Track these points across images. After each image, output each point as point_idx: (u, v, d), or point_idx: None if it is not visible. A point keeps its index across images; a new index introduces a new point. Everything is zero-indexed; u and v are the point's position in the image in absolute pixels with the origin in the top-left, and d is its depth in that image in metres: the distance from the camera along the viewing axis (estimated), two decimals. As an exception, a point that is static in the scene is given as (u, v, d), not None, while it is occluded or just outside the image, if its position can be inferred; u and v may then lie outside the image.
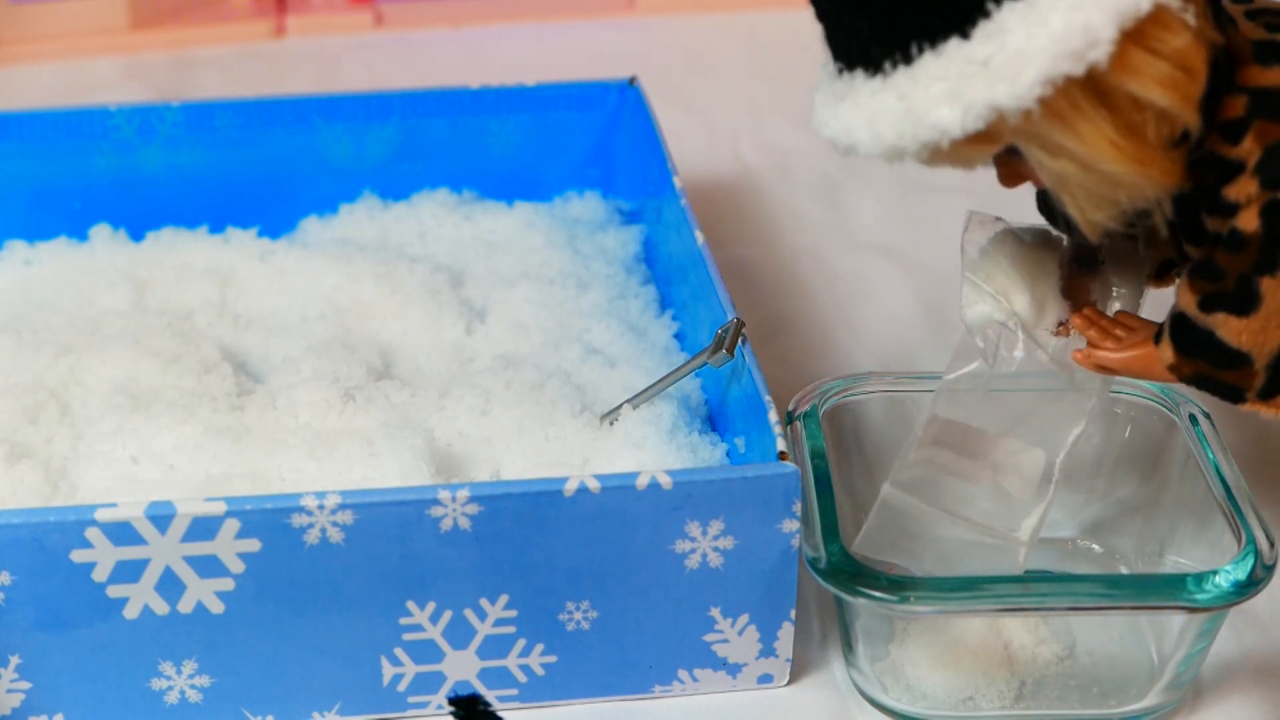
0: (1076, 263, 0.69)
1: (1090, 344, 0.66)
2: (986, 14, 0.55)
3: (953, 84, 0.55)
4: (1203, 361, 0.61)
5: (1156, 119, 0.56)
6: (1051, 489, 0.68)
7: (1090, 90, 0.55)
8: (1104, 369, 0.66)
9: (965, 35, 0.55)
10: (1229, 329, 0.60)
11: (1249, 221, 0.59)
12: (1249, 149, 0.58)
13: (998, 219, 0.70)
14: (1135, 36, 0.55)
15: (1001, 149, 0.58)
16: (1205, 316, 0.60)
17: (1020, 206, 0.72)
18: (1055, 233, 0.69)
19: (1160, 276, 0.70)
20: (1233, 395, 0.62)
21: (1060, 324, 0.68)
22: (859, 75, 0.58)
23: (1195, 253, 0.62)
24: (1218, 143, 0.59)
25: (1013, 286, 0.67)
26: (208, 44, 1.30)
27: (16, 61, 1.27)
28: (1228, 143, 0.59)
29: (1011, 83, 0.54)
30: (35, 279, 0.90)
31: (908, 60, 0.57)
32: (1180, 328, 0.62)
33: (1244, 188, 0.59)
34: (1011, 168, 0.61)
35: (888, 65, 0.57)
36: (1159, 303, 0.68)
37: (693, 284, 0.82)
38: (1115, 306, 0.69)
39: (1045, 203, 0.69)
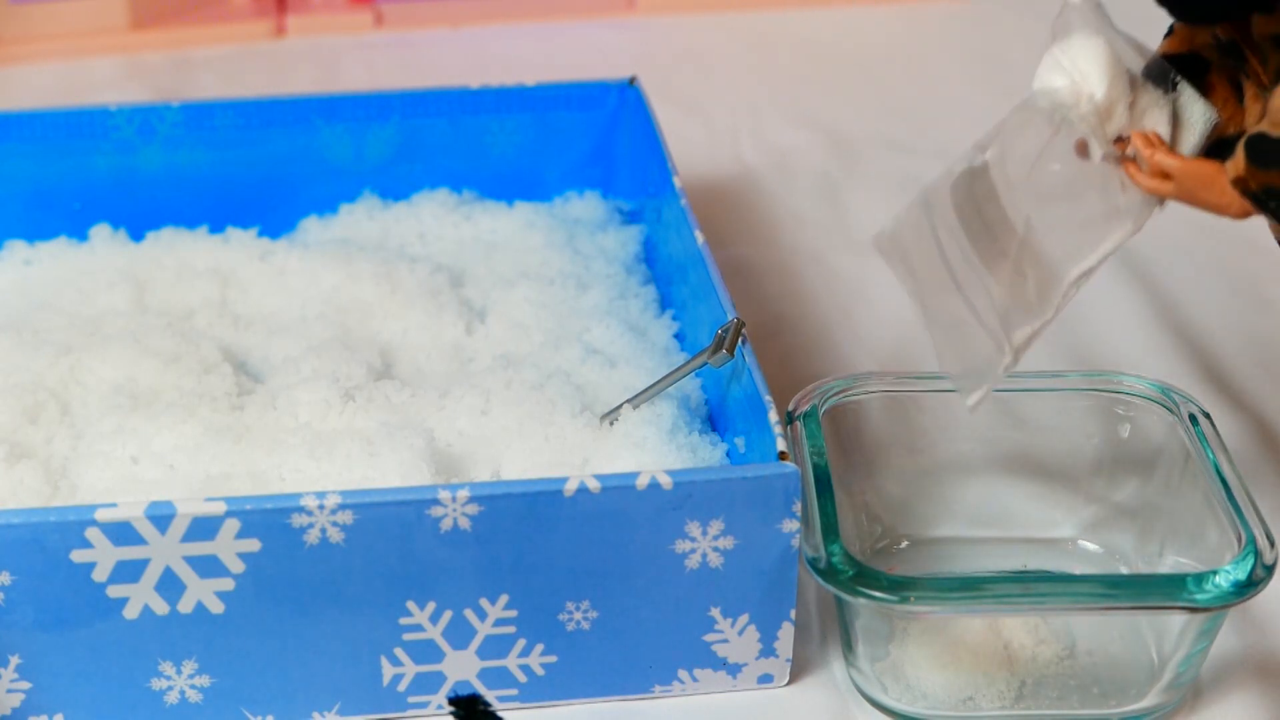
0: (1153, 77, 0.68)
1: (1148, 158, 0.64)
2: None
3: None
4: (1276, 171, 0.60)
5: None
6: (1054, 309, 0.66)
7: None
8: (1162, 176, 0.64)
9: None
10: None
11: None
12: None
13: (1099, 4, 0.68)
14: None
15: None
16: None
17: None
18: (1143, 45, 0.67)
19: (1211, 155, 0.68)
20: None
21: (1121, 138, 0.66)
22: None
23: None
24: None
25: (1095, 72, 0.65)
26: (208, 44, 1.31)
27: (16, 61, 1.27)
28: None
29: None
30: (35, 279, 0.90)
31: None
32: (1258, 141, 0.60)
33: None
34: None
35: None
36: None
37: (693, 284, 0.82)
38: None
39: None
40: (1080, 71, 0.65)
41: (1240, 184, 0.62)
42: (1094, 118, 0.65)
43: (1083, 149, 0.66)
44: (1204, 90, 0.67)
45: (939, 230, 0.67)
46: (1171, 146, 0.66)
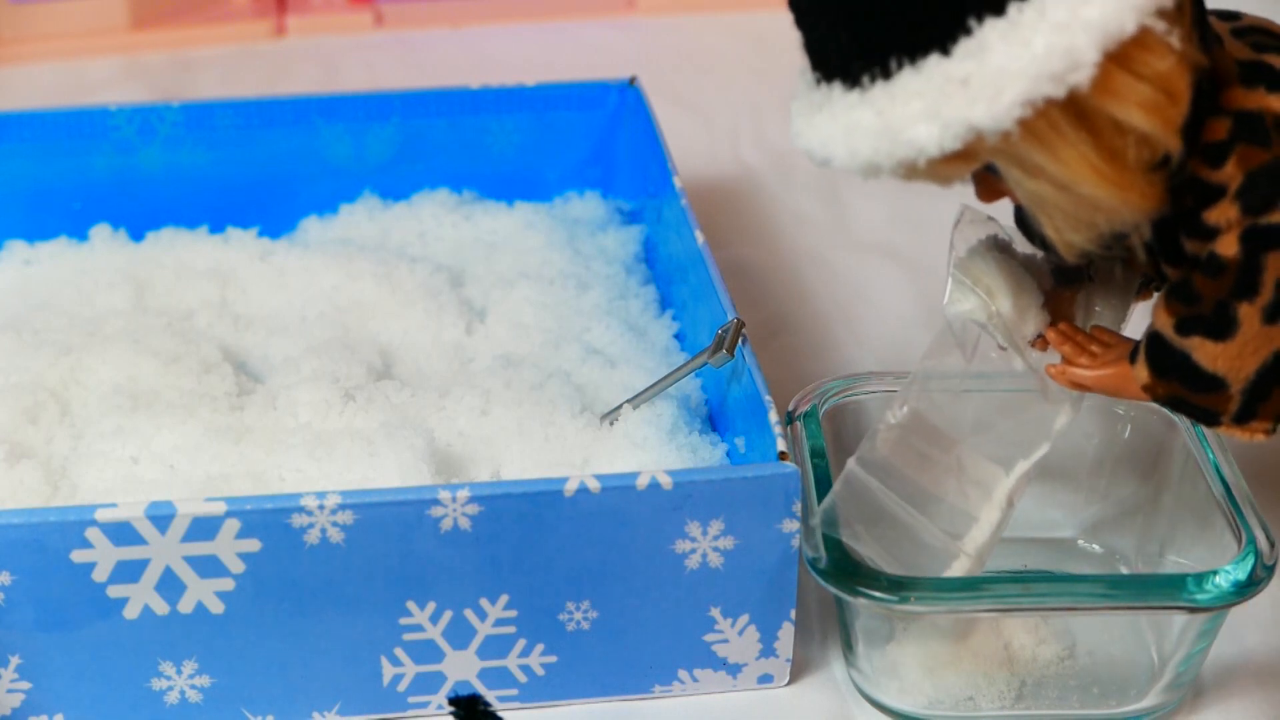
0: (1060, 277, 0.69)
1: (1065, 360, 0.65)
2: (968, 31, 0.54)
3: (931, 101, 0.54)
4: (1177, 383, 0.60)
5: (1137, 143, 0.55)
6: (1004, 509, 0.68)
7: (1070, 112, 0.54)
8: (1078, 386, 0.65)
9: (946, 52, 0.54)
10: (1205, 353, 0.59)
11: (1228, 247, 0.57)
12: (1230, 173, 0.57)
13: (990, 219, 0.69)
14: (1118, 59, 0.53)
15: (979, 167, 0.57)
16: (1181, 339, 0.59)
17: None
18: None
19: (1143, 290, 0.69)
20: (1207, 418, 0.61)
21: (1038, 336, 0.68)
22: (837, 87, 0.57)
23: (1173, 274, 0.61)
24: (1199, 166, 0.58)
25: (998, 289, 0.67)
26: (208, 44, 1.30)
27: (16, 61, 1.27)
28: (1209, 166, 0.58)
29: (990, 103, 0.53)
30: (35, 279, 0.90)
31: (886, 75, 0.55)
32: (1156, 348, 0.61)
33: (1224, 212, 0.58)
34: (989, 185, 0.60)
35: (866, 79, 0.56)
36: (1143, 319, 0.67)
37: (693, 284, 0.82)
38: (1095, 323, 0.68)
39: (1023, 220, 0.68)
40: (984, 288, 0.67)
41: (1149, 390, 0.62)
42: (1007, 329, 0.67)
43: (1003, 351, 0.68)
44: (1123, 259, 0.67)
45: (873, 493, 0.69)
46: (1099, 307, 0.68)
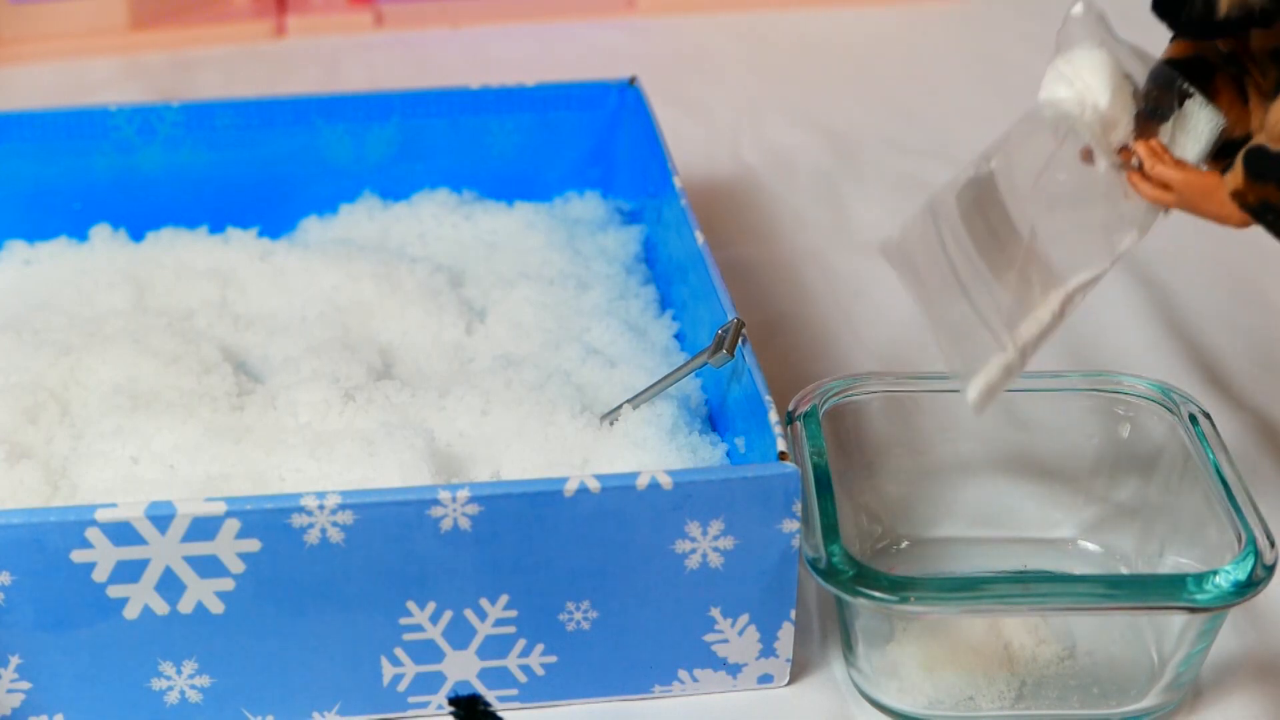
0: (1150, 109, 0.68)
1: (1150, 168, 0.65)
2: None
3: None
4: (1274, 186, 0.60)
5: None
6: (1055, 315, 0.66)
7: None
8: (1163, 187, 0.64)
9: None
10: None
11: None
12: None
13: (1102, 18, 0.68)
14: None
15: None
16: None
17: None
18: (1146, 53, 0.68)
19: (1218, 157, 0.68)
20: None
21: (1124, 147, 0.66)
22: None
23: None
24: None
25: (1098, 85, 0.65)
26: (208, 44, 1.31)
27: (16, 61, 1.27)
28: None
29: None
30: (35, 279, 0.90)
31: None
32: (1254, 155, 0.61)
33: None
34: None
35: None
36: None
37: (693, 284, 0.82)
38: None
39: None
40: (1084, 83, 0.65)
41: (1239, 197, 0.62)
42: (1098, 128, 0.65)
43: (1088, 157, 0.67)
44: (1209, 94, 0.67)
45: (945, 237, 0.68)
46: (1176, 152, 0.66)
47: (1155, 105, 0.67)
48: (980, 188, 0.67)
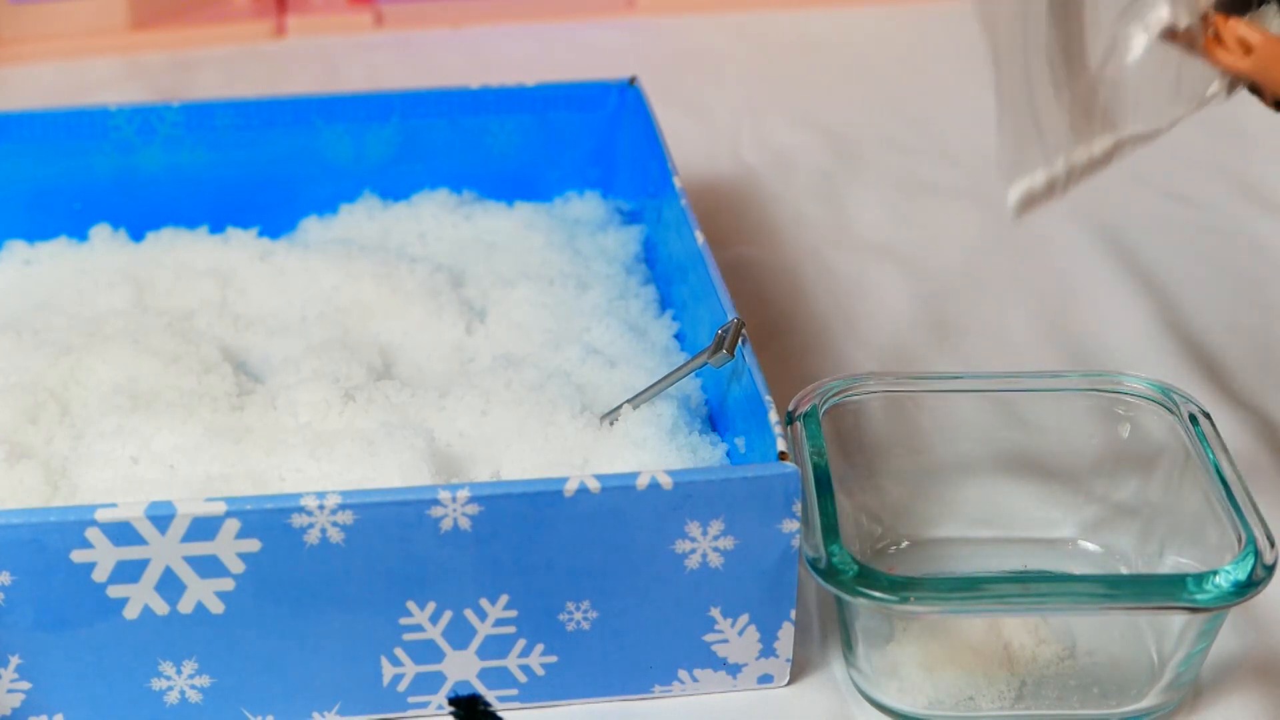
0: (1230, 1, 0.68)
1: (1231, 44, 0.64)
2: None
3: None
4: None
5: None
6: (1104, 153, 0.66)
7: None
8: (1244, 47, 0.64)
9: None
10: None
11: None
12: None
13: None
14: None
15: None
16: None
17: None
18: None
19: None
20: None
21: (1206, 14, 0.65)
22: None
23: None
24: None
25: None
26: (208, 44, 1.31)
27: (16, 61, 1.27)
28: None
29: None
30: (35, 279, 0.90)
31: None
32: None
33: None
34: None
35: None
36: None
37: (693, 284, 0.82)
38: None
39: None
40: None
41: None
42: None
43: (1171, 36, 0.65)
44: None
45: (1029, 18, 0.66)
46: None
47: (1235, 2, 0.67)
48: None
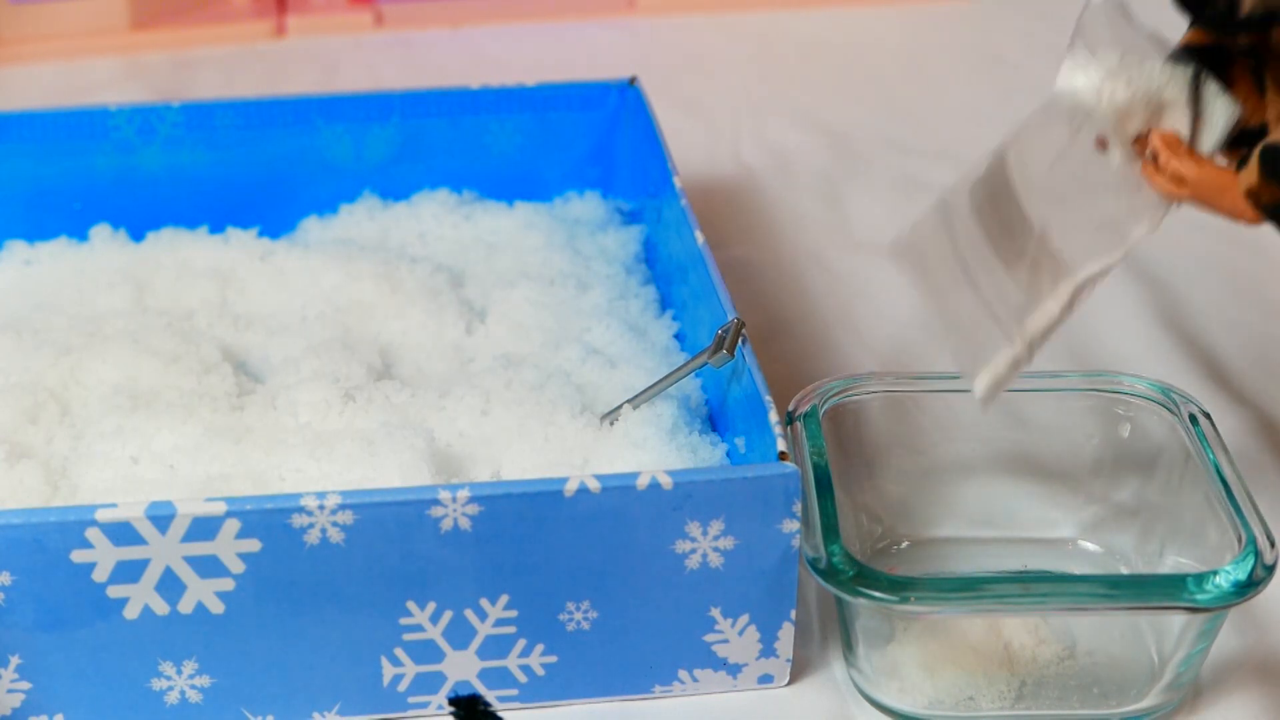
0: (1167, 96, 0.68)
1: (1167, 159, 0.65)
2: None
3: None
4: None
5: None
6: (1065, 307, 0.66)
7: None
8: (1178, 181, 0.64)
9: None
10: None
11: None
12: None
13: (1122, 4, 0.68)
14: None
15: None
16: None
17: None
18: (1166, 41, 0.68)
19: (1234, 146, 0.68)
20: None
21: (1140, 136, 0.66)
22: None
23: None
24: None
25: (1116, 74, 0.66)
26: (208, 44, 1.31)
27: (16, 61, 1.27)
28: None
29: None
30: (35, 279, 0.90)
31: None
32: (1270, 153, 0.61)
33: None
34: None
35: None
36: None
37: (693, 284, 0.82)
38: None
39: None
40: (1101, 72, 0.65)
41: (1253, 196, 0.62)
42: (1114, 118, 0.65)
43: (1103, 145, 0.66)
44: (1227, 82, 0.67)
45: (957, 234, 0.68)
46: (1192, 140, 0.66)
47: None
48: (994, 183, 0.67)
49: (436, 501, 0.64)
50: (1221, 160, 0.67)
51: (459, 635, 0.67)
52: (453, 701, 0.69)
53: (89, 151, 0.93)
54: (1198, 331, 0.95)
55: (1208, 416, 0.73)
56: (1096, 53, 0.66)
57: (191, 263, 0.91)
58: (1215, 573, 0.64)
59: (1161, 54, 0.67)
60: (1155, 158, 0.65)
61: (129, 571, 0.63)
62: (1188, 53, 0.67)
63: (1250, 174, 0.62)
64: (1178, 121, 0.66)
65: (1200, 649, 0.67)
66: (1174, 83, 0.67)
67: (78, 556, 0.63)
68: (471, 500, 0.64)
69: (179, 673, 0.66)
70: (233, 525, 0.63)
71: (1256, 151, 0.62)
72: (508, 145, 0.97)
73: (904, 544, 0.77)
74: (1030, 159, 0.67)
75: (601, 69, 1.19)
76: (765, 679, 0.70)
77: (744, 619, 0.68)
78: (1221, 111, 0.66)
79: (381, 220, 0.95)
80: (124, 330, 0.82)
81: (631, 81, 0.97)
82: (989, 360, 0.67)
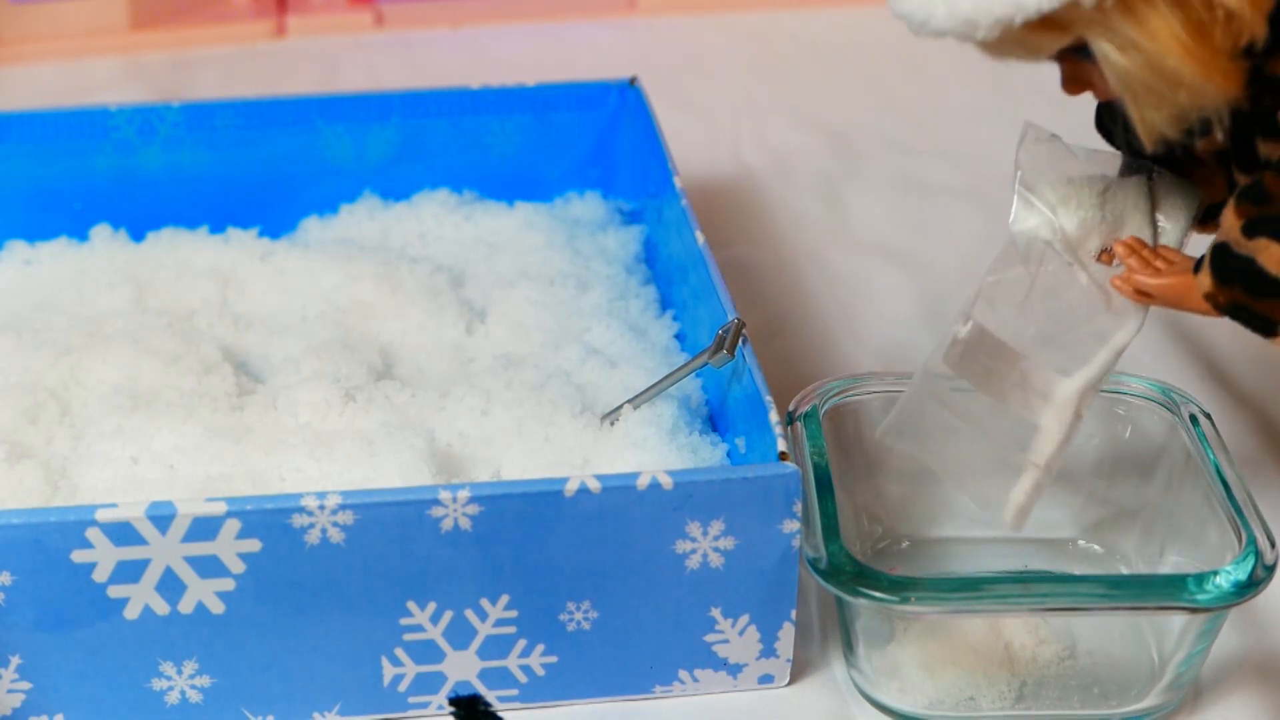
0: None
1: (1130, 270, 0.67)
2: None
3: None
4: (1240, 289, 0.62)
5: (1225, 21, 0.56)
6: (1071, 421, 0.68)
7: None
8: (1142, 294, 0.66)
9: None
10: (1270, 256, 0.60)
11: None
12: None
13: (1054, 136, 0.69)
14: None
15: (1070, 43, 0.59)
16: (1247, 242, 0.61)
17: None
18: (1109, 152, 0.69)
19: (1205, 221, 0.69)
20: (1265, 327, 0.62)
21: (1104, 250, 0.68)
22: None
23: (1245, 180, 0.62)
24: (1278, 66, 0.59)
25: (1062, 205, 0.67)
26: (208, 44, 1.31)
27: (16, 61, 1.27)
28: None
29: None
30: (35, 279, 0.90)
31: None
32: (1221, 256, 0.62)
33: None
34: (1077, 71, 0.61)
35: None
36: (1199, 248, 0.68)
37: (693, 284, 0.82)
38: (1160, 242, 0.69)
39: (1104, 118, 0.68)
40: (1048, 204, 0.67)
41: (1211, 299, 0.64)
42: (1071, 245, 0.67)
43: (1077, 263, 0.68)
44: (1187, 169, 0.68)
45: (943, 395, 0.70)
46: (1159, 237, 0.67)
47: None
48: (968, 341, 0.69)
49: (437, 501, 0.64)
50: (1195, 237, 0.69)
51: (459, 635, 0.67)
52: (453, 702, 0.69)
53: (89, 151, 0.93)
54: (1198, 331, 0.95)
55: (1208, 416, 0.73)
56: (1039, 189, 0.68)
57: (191, 263, 0.91)
58: (1215, 573, 0.64)
59: (1110, 162, 0.68)
60: (1121, 263, 0.67)
61: (129, 571, 0.63)
62: (1137, 155, 0.68)
63: (1205, 278, 0.63)
64: (1139, 227, 0.68)
65: (1200, 649, 0.67)
66: (1124, 192, 0.68)
67: (78, 556, 0.63)
68: (472, 500, 0.64)
69: (179, 673, 0.66)
70: (233, 525, 0.63)
71: (1209, 252, 0.63)
72: (508, 145, 0.97)
73: (904, 544, 0.77)
74: (1000, 305, 0.69)
75: (601, 69, 1.19)
76: (765, 679, 0.70)
77: (744, 619, 0.68)
78: (1182, 202, 0.68)
79: (382, 220, 0.95)
80: (124, 330, 0.82)
81: (631, 81, 0.97)
82: (1009, 494, 0.69)
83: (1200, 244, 0.68)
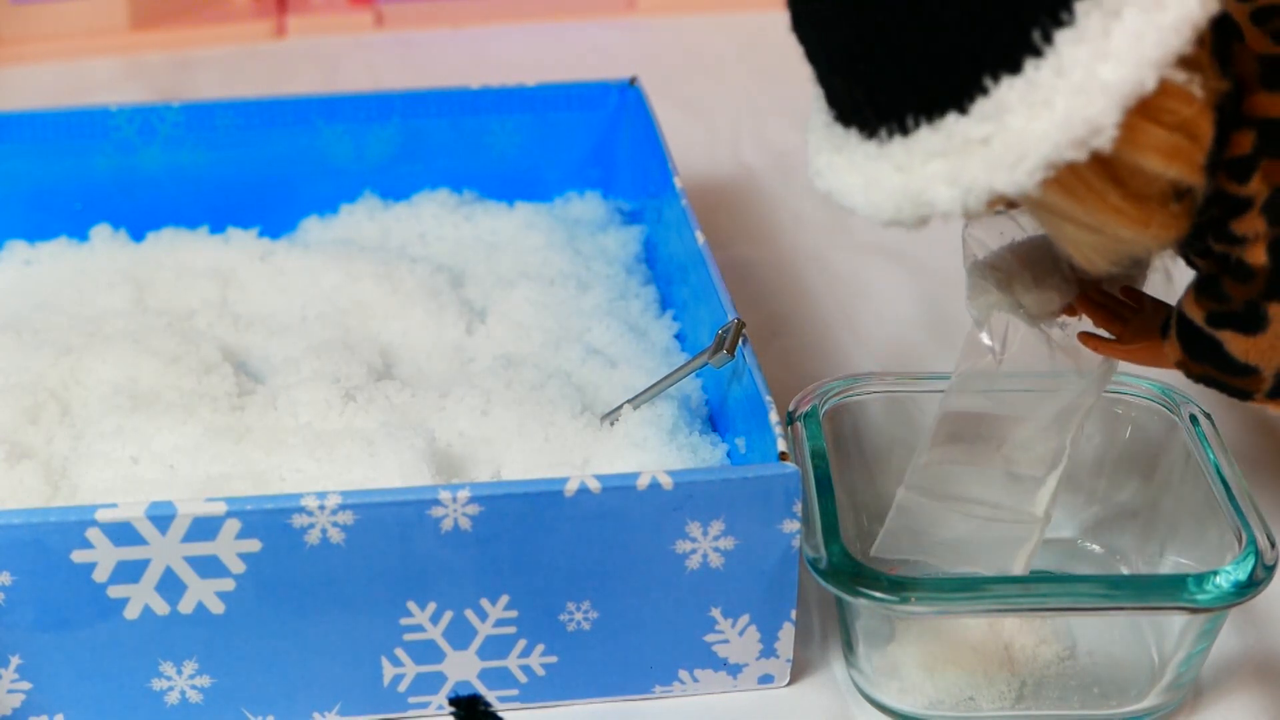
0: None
1: (1097, 325, 0.67)
2: (985, 90, 0.53)
3: (952, 163, 0.54)
4: (1210, 366, 0.62)
5: (1155, 180, 0.55)
6: (1063, 462, 0.69)
7: (1093, 163, 0.54)
8: (1113, 359, 0.67)
9: (963, 110, 0.54)
10: (1236, 345, 0.61)
11: (1257, 256, 0.59)
12: (1256, 188, 0.58)
13: (998, 211, 0.69)
14: (1141, 109, 0.53)
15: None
16: (1213, 330, 0.61)
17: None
18: None
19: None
20: (1241, 395, 0.63)
21: (1068, 306, 0.68)
22: (854, 133, 0.57)
23: (1203, 265, 0.62)
24: (1226, 180, 0.58)
25: (1017, 278, 0.67)
26: (208, 44, 1.30)
27: (16, 61, 1.27)
28: (1236, 181, 0.58)
29: (1012, 169, 0.53)
30: (35, 279, 0.90)
31: (904, 131, 0.55)
32: (1187, 332, 0.62)
33: (1252, 224, 0.59)
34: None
35: (884, 133, 0.56)
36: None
37: (693, 284, 0.82)
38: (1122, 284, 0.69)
39: None
40: (1002, 279, 0.68)
41: (1183, 367, 0.64)
42: (1031, 314, 0.68)
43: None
44: None
45: (932, 490, 0.71)
46: (1137, 281, 0.68)
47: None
48: (948, 425, 0.70)
49: (437, 501, 0.64)
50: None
51: (459, 635, 0.67)
52: (453, 701, 0.69)
53: (89, 151, 0.93)
54: (1198, 332, 0.95)
55: (1208, 416, 0.73)
56: (987, 270, 0.68)
57: (192, 263, 0.91)
58: (1215, 573, 0.64)
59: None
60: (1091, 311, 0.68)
61: (129, 571, 0.63)
62: None
63: (1174, 348, 0.63)
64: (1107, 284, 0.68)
65: (1200, 649, 0.67)
66: None
67: (78, 556, 0.63)
68: (472, 500, 0.64)
69: (179, 673, 0.66)
70: (233, 525, 0.63)
71: (1174, 326, 0.63)
72: (508, 145, 0.97)
73: (904, 544, 0.77)
74: (972, 393, 0.70)
75: (602, 69, 1.19)
76: (765, 679, 0.70)
77: (744, 619, 0.68)
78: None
79: (382, 220, 0.95)
80: (124, 330, 0.82)
81: (632, 81, 0.97)
82: (1017, 551, 0.70)
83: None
